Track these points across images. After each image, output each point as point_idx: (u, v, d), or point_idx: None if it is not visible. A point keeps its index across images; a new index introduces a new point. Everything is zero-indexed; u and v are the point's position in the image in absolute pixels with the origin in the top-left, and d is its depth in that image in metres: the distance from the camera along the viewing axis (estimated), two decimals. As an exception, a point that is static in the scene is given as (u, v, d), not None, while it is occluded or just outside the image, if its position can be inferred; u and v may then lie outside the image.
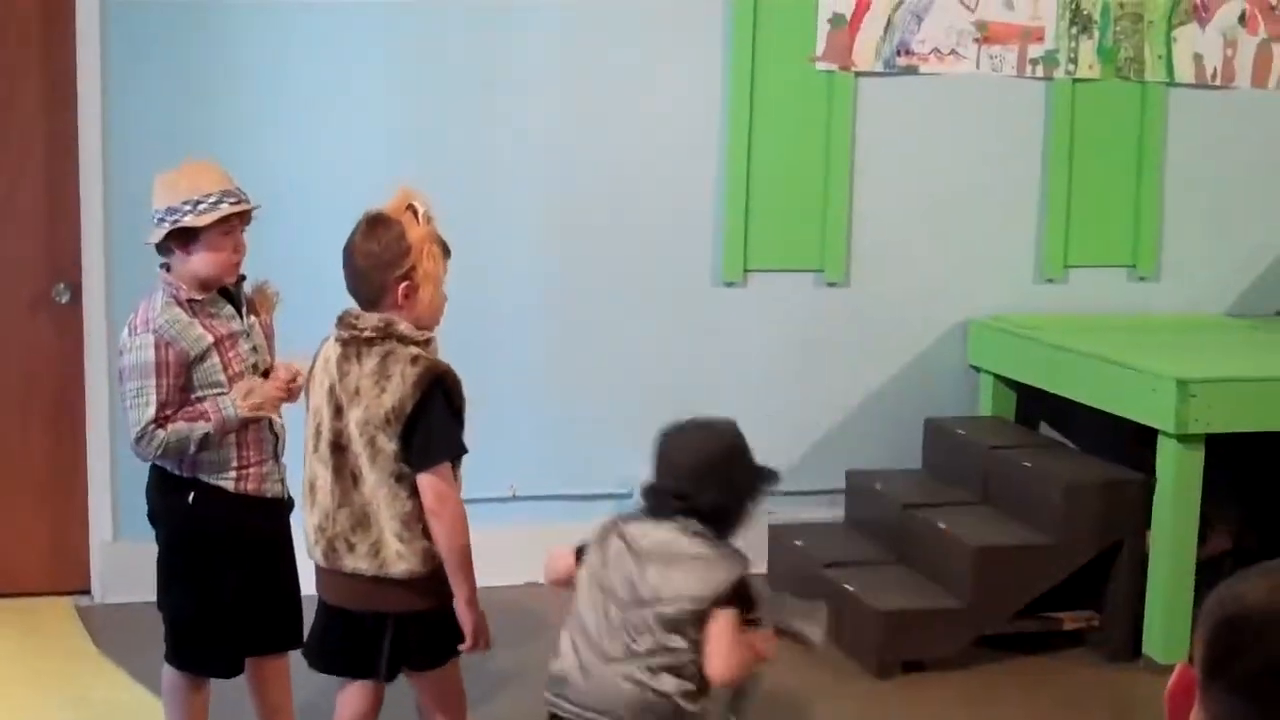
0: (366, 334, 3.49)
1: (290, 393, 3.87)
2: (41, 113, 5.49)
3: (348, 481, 3.52)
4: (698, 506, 3.22)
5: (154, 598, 5.34)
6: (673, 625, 3.13)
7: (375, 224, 3.53)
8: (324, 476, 3.55)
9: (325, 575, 3.63)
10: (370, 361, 3.48)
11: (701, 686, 3.17)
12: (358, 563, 3.52)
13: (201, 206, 3.72)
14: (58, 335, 5.57)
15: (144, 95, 5.45)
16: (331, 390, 3.53)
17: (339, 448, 3.52)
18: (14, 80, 5.45)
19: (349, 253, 3.55)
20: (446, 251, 3.61)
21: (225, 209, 3.74)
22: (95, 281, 5.50)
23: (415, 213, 3.54)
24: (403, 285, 3.50)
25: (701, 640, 3.13)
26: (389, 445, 3.45)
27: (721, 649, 3.13)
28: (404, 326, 3.50)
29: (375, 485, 3.49)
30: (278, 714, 4.14)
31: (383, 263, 3.49)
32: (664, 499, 3.26)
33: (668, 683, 3.14)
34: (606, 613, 3.19)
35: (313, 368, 3.64)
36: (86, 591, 5.63)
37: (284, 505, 3.98)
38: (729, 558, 3.20)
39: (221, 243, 3.76)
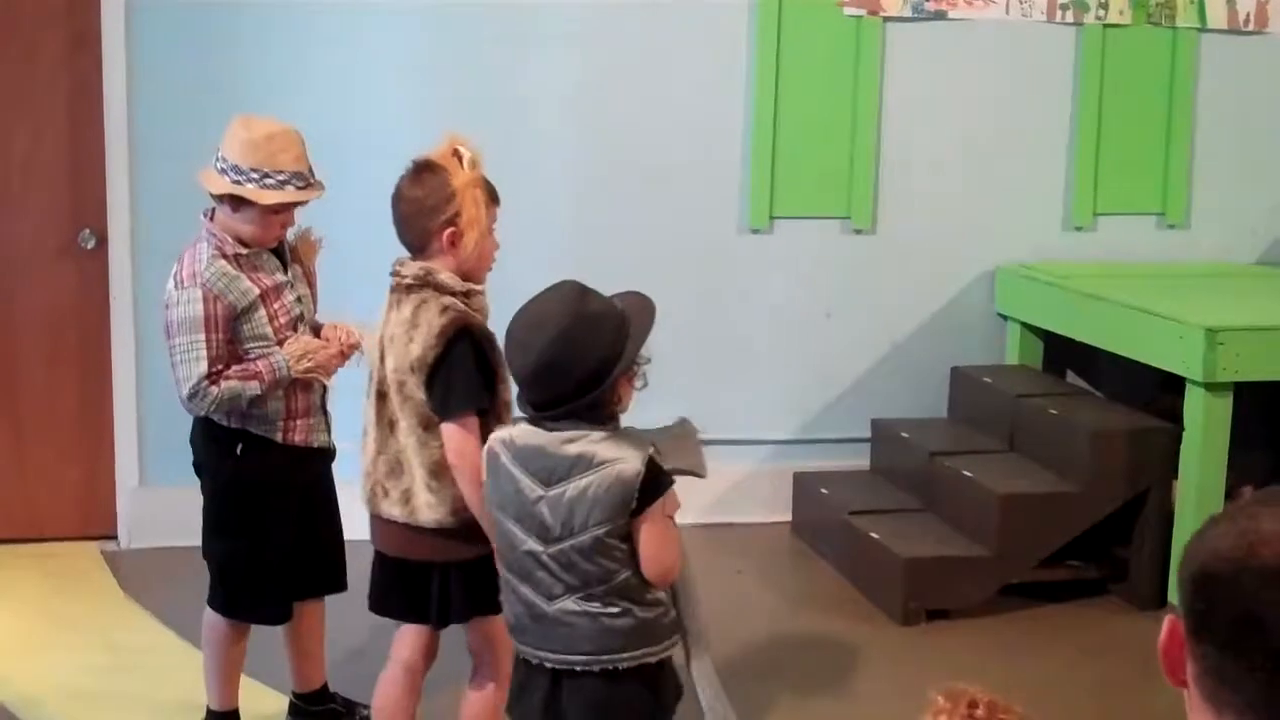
0: (406, 281, 3.50)
1: (345, 359, 3.87)
2: (66, 59, 5.48)
3: (386, 428, 3.55)
4: (560, 409, 2.98)
5: (180, 543, 5.37)
6: (597, 549, 2.96)
7: (421, 170, 3.52)
8: (371, 422, 3.58)
9: (371, 520, 3.65)
10: (406, 309, 3.49)
11: (649, 589, 3.03)
12: (391, 509, 3.55)
13: (269, 182, 3.68)
14: (84, 282, 5.58)
15: (169, 40, 5.44)
16: (380, 337, 3.56)
17: (381, 394, 3.55)
18: (39, 27, 5.44)
19: (395, 199, 3.55)
20: (494, 198, 3.59)
21: (289, 194, 3.71)
22: (121, 228, 5.51)
23: (461, 159, 3.52)
24: (447, 232, 3.49)
25: (633, 547, 2.97)
26: (416, 393, 3.46)
27: (652, 551, 2.98)
28: (444, 276, 3.48)
29: (406, 433, 3.51)
30: (309, 657, 4.18)
31: (426, 209, 3.49)
32: (529, 409, 3.05)
33: (616, 604, 3.00)
34: (532, 550, 3.01)
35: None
36: (113, 537, 5.66)
37: (329, 455, 4.00)
38: (621, 456, 2.94)
39: (271, 220, 3.74)
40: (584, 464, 2.96)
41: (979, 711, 1.92)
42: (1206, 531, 1.35)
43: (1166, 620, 1.36)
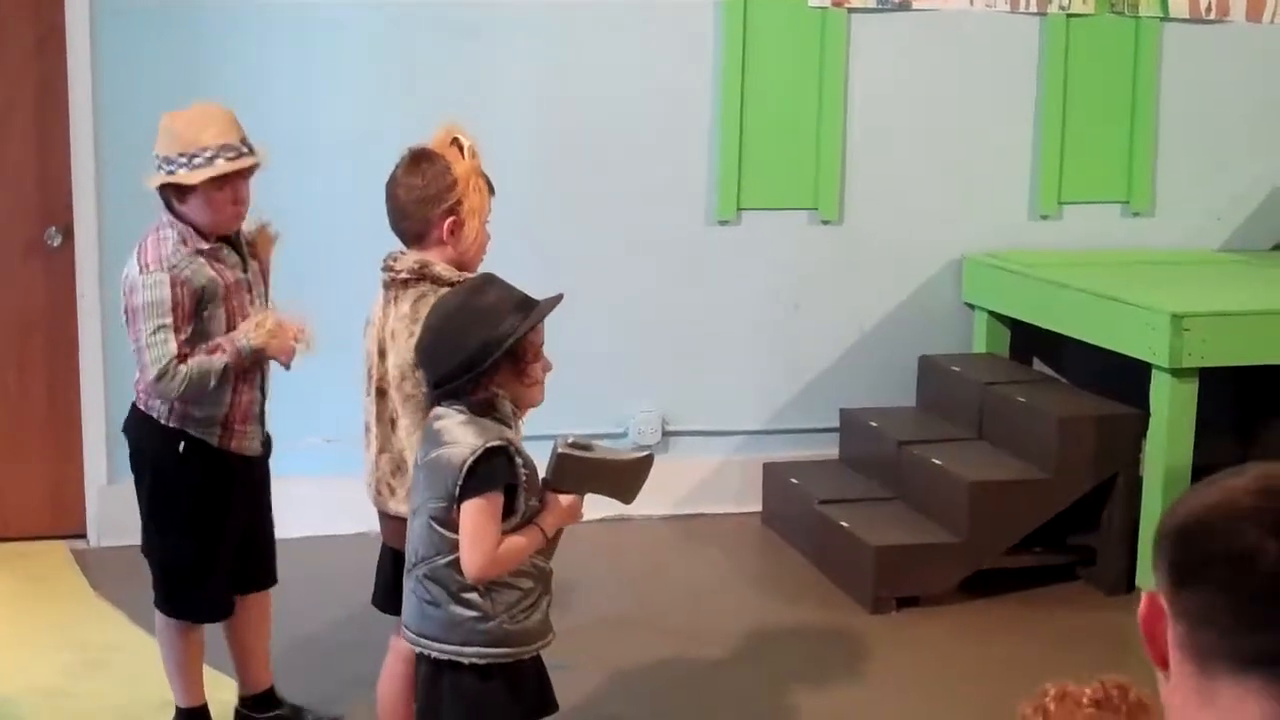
0: (402, 276, 3.46)
1: (299, 341, 3.83)
2: (31, 56, 5.46)
3: (388, 426, 3.52)
4: (442, 388, 3.07)
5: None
6: (428, 526, 3.06)
7: (419, 158, 3.50)
8: (373, 418, 3.56)
9: (380, 517, 3.64)
10: (405, 305, 3.45)
11: (467, 588, 3.05)
12: (399, 506, 3.51)
13: (196, 161, 3.65)
14: (50, 279, 5.55)
15: (134, 39, 5.42)
16: (379, 334, 3.52)
17: (382, 392, 3.51)
18: (3, 26, 5.41)
19: (391, 188, 3.52)
20: (491, 188, 3.57)
21: (220, 166, 3.66)
22: (87, 225, 5.48)
23: (460, 147, 3.50)
24: (448, 220, 3.47)
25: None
26: (418, 391, 3.42)
27: (464, 544, 3.00)
28: (440, 268, 3.45)
29: (408, 430, 3.47)
30: (254, 656, 4.14)
31: (427, 197, 3.46)
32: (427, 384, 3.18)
33: (432, 590, 3.09)
34: (410, 522, 3.16)
35: (370, 311, 3.61)
36: (82, 535, 5.63)
37: (262, 459, 3.98)
38: (461, 440, 3.01)
39: (217, 197, 3.70)
40: (436, 440, 3.06)
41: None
42: (1181, 500, 1.40)
43: (1144, 596, 1.39)
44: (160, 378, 3.66)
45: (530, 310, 3.09)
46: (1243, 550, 1.30)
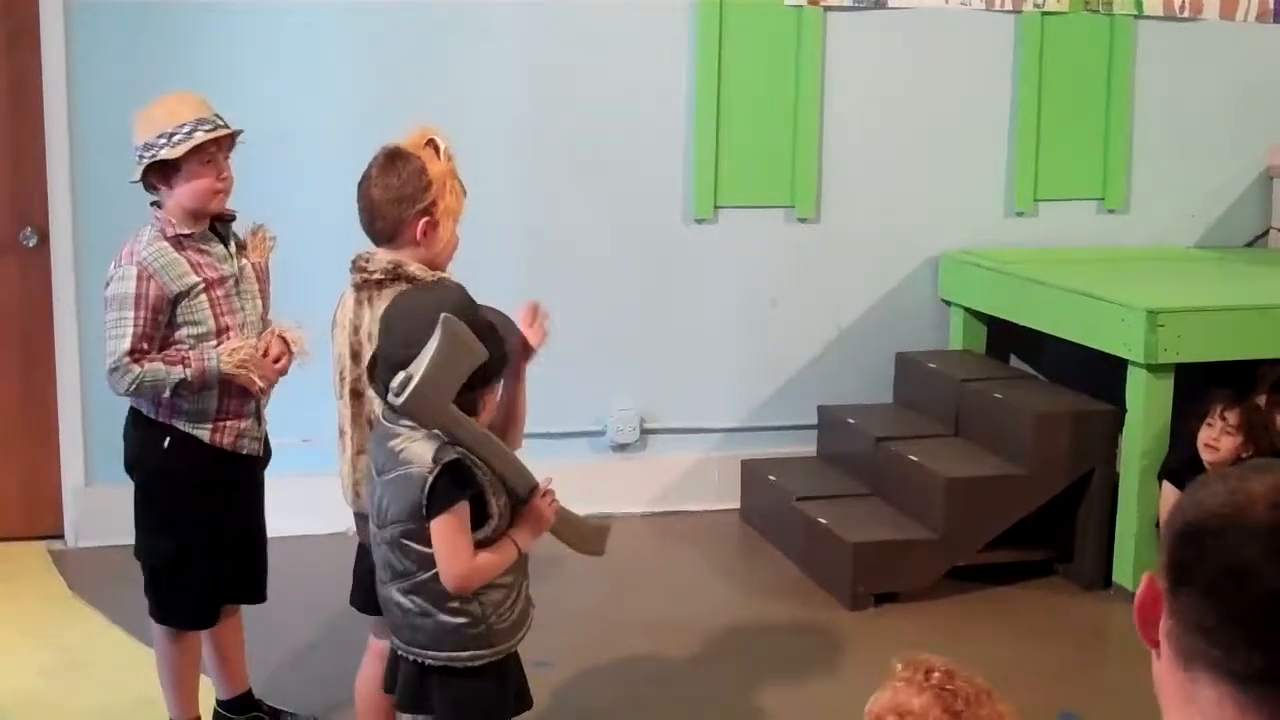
0: (376, 276, 3.42)
1: (278, 372, 3.80)
2: (4, 54, 5.44)
3: (364, 428, 3.46)
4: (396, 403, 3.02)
5: (127, 541, 5.31)
6: (399, 545, 3.06)
7: (394, 158, 3.45)
8: (347, 421, 3.51)
9: (356, 518, 3.60)
10: (381, 305, 3.39)
11: (452, 597, 3.07)
12: None
13: (176, 138, 3.64)
14: (26, 280, 5.53)
15: (108, 35, 5.40)
16: (350, 336, 3.47)
17: (357, 394, 3.46)
18: (-25, 22, 5.40)
19: (365, 187, 3.47)
20: (463, 190, 3.54)
21: (200, 136, 3.65)
22: (62, 225, 5.46)
23: (436, 148, 3.47)
24: (423, 221, 3.43)
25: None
26: None
27: (440, 559, 3.00)
28: (414, 268, 3.42)
29: None
30: (230, 663, 4.09)
31: (402, 197, 3.42)
32: (381, 396, 3.12)
33: (418, 602, 3.08)
34: (374, 532, 3.15)
35: (335, 313, 3.57)
36: (60, 536, 5.61)
37: (259, 462, 3.92)
38: (419, 459, 2.99)
39: (202, 171, 3.68)
40: (394, 460, 3.03)
41: (935, 676, 1.96)
42: (1196, 491, 1.39)
43: (1144, 578, 1.40)
44: (112, 371, 3.64)
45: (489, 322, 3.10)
46: (1241, 566, 1.29)
